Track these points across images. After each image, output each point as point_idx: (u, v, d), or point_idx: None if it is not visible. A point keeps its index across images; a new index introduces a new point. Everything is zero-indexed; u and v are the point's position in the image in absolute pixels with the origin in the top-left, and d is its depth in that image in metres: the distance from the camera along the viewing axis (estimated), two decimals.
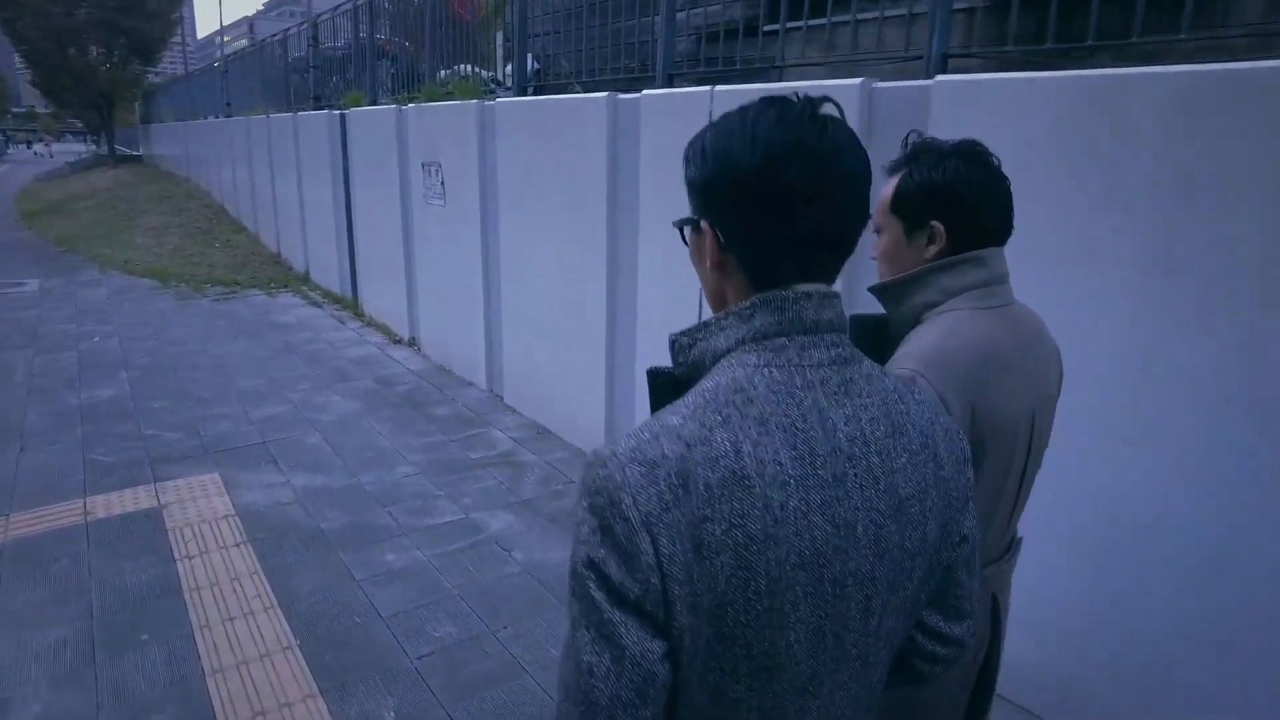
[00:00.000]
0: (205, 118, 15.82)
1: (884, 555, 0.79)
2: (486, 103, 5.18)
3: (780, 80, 3.61)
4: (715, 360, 0.80)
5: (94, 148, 38.18)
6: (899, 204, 1.27)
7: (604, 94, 4.02)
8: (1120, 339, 2.21)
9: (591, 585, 0.74)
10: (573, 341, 4.60)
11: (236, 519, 3.82)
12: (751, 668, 0.76)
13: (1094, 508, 2.30)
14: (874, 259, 1.35)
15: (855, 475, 0.77)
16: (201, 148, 16.08)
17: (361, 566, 3.42)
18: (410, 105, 6.19)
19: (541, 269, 4.80)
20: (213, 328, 7.49)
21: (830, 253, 0.80)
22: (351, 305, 8.12)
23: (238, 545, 3.58)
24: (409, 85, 6.76)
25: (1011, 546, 1.41)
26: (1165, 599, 2.19)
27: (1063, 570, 2.36)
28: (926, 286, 1.26)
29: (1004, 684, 1.51)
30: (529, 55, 5.34)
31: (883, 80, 2.85)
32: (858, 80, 2.81)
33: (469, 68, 6.14)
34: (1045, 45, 2.60)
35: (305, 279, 9.52)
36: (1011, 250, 1.32)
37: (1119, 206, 2.18)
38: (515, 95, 5.18)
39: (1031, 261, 1.94)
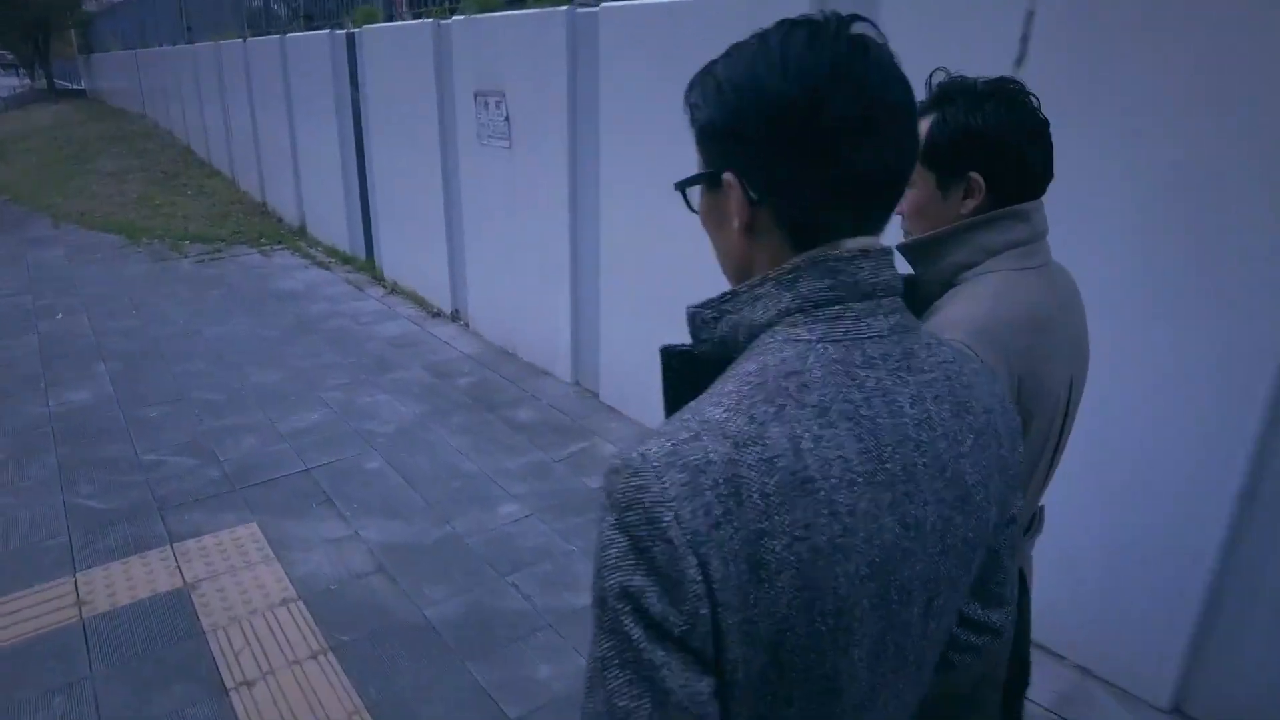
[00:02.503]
0: (160, 45, 13.95)
1: (949, 551, 0.70)
2: (581, 10, 3.90)
3: None
4: (751, 336, 0.68)
5: (28, 81, 34.97)
6: (932, 153, 1.14)
7: None
8: None
9: (626, 620, 0.61)
10: None
11: (300, 605, 2.68)
12: (809, 692, 0.66)
13: None
14: (900, 214, 1.19)
15: (924, 465, 0.67)
16: (159, 79, 14.21)
17: (510, 692, 2.33)
18: (456, 18, 4.85)
19: (670, 237, 3.61)
20: (203, 299, 6.17)
21: (882, 198, 0.68)
22: (367, 267, 6.82)
23: (314, 657, 2.45)
24: None
25: (1035, 519, 1.32)
26: None
27: None
28: (963, 245, 1.14)
29: None
30: None
31: None
32: None
33: None
34: None
35: (302, 233, 8.15)
36: None
37: None
38: None
39: None
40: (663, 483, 0.60)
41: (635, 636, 0.61)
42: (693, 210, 0.75)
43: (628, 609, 0.61)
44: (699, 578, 0.59)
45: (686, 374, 0.72)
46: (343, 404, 4.26)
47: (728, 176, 0.68)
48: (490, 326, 5.28)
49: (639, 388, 4.03)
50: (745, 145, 0.67)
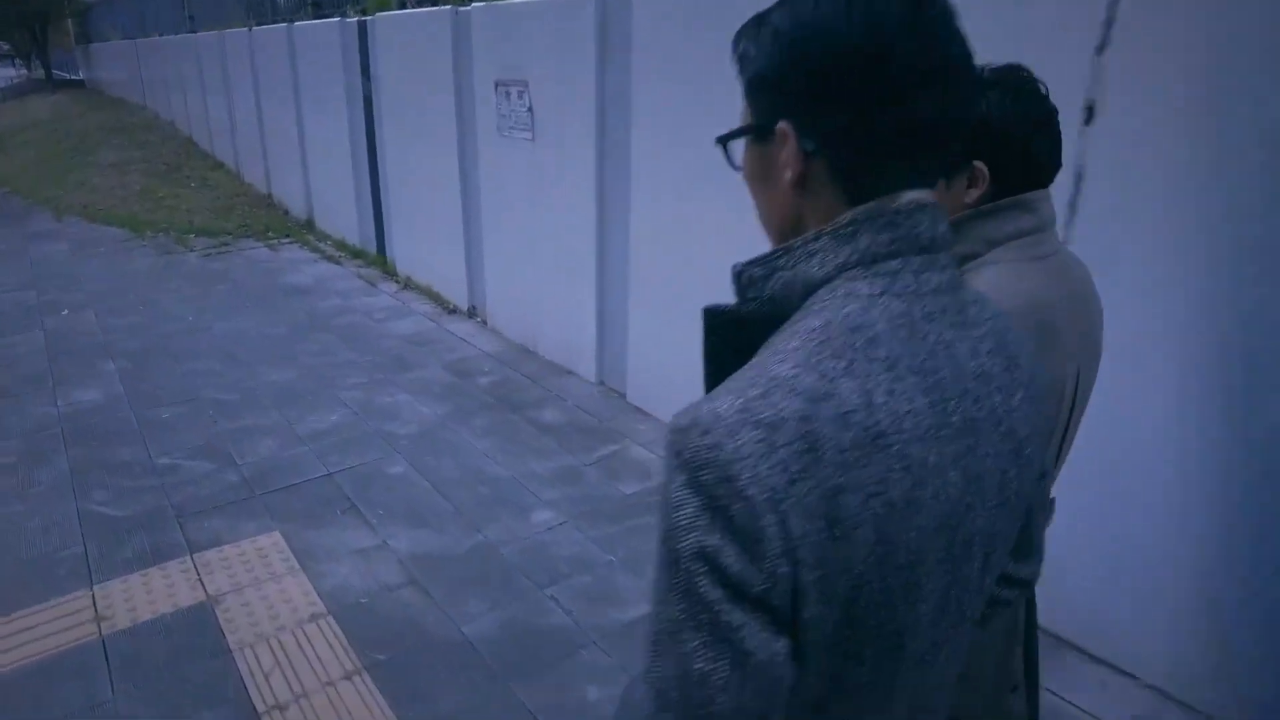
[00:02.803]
0: (160, 34, 13.75)
1: (1004, 505, 0.71)
2: None
3: None
4: (808, 292, 0.66)
5: (25, 72, 34.59)
6: None
7: None
8: None
9: (702, 581, 0.60)
10: None
11: (331, 621, 2.55)
12: (879, 649, 0.66)
13: None
14: None
15: (983, 419, 0.67)
16: (160, 69, 13.99)
17: (558, 716, 2.20)
18: (476, 4, 4.69)
19: (705, 232, 3.47)
20: (210, 294, 6.03)
21: (943, 150, 0.67)
22: (379, 262, 6.67)
23: (349, 677, 2.32)
24: None
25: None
26: None
27: None
28: (966, 235, 1.11)
29: None
30: None
31: None
32: None
33: None
34: None
35: (310, 227, 8.00)
36: None
37: None
38: None
39: None
40: (737, 440, 0.59)
41: (712, 598, 0.60)
42: (734, 167, 0.74)
43: (704, 569, 0.60)
44: (778, 534, 0.58)
45: (729, 337, 0.70)
46: (361, 404, 4.12)
47: (782, 126, 0.66)
48: (510, 323, 5.13)
49: (669, 388, 3.89)
50: (803, 95, 0.65)
